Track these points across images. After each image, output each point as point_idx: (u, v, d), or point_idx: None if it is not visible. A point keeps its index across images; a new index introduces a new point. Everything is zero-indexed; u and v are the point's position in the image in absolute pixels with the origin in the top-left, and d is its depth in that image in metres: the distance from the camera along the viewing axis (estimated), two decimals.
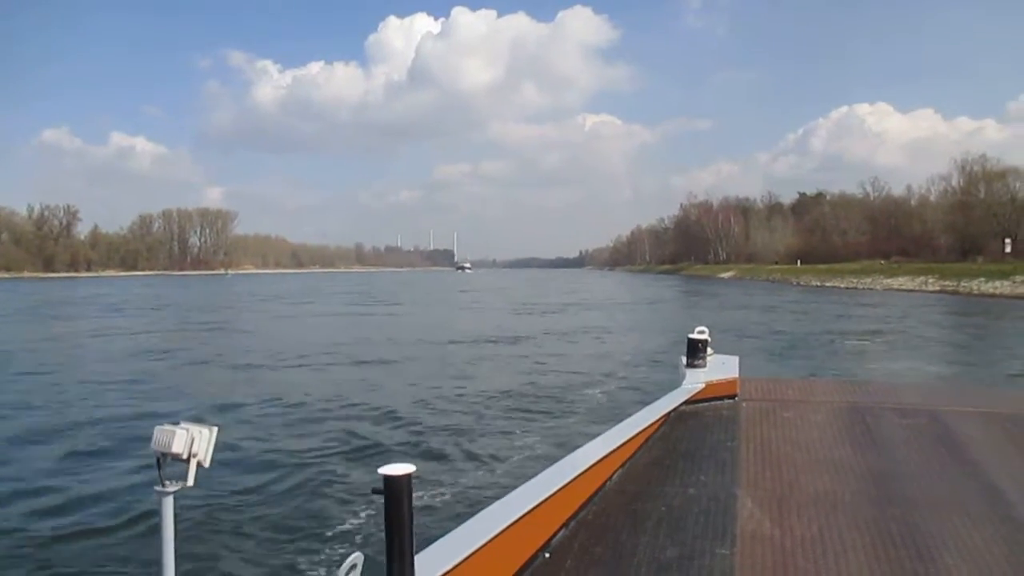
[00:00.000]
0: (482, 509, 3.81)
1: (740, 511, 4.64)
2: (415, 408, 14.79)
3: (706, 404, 7.56)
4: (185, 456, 3.08)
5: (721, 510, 4.68)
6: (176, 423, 3.13)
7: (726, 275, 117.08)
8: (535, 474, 4.49)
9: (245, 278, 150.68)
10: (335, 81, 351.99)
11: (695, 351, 8.37)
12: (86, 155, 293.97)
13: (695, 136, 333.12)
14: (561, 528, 4.33)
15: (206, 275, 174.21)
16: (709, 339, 8.52)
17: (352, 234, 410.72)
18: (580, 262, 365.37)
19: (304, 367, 21.06)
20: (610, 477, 5.24)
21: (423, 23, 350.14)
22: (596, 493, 4.91)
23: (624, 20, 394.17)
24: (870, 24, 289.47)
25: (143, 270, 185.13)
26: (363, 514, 8.17)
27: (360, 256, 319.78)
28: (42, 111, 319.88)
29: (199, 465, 3.12)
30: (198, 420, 3.18)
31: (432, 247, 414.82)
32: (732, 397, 7.86)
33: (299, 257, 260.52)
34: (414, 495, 2.99)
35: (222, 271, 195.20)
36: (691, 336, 8.47)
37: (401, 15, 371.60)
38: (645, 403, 7.30)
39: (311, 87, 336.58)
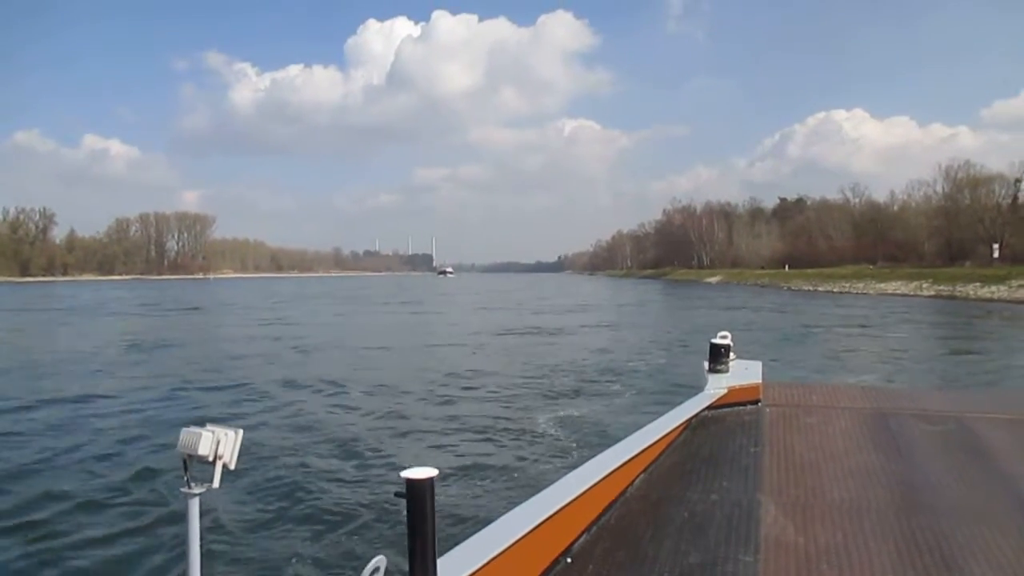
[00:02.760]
0: (504, 513, 3.79)
1: (764, 517, 4.59)
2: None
3: (729, 409, 7.54)
4: (211, 458, 3.11)
5: (744, 516, 4.63)
6: (202, 425, 3.16)
7: (713, 280, 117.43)
8: (557, 478, 4.47)
9: (231, 283, 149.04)
10: (314, 84, 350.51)
11: (717, 356, 8.25)
12: (59, 158, 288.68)
13: (673, 141, 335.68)
14: (583, 533, 4.31)
15: (186, 279, 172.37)
16: (731, 344, 8.40)
17: (330, 238, 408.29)
18: (559, 266, 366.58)
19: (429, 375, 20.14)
20: (632, 482, 5.21)
21: (403, 27, 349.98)
22: (618, 498, 4.89)
23: (605, 25, 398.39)
24: (847, 32, 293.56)
25: (120, 274, 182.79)
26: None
27: (339, 260, 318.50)
28: (14, 113, 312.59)
29: (225, 467, 3.15)
30: (223, 421, 3.21)
31: (411, 251, 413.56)
32: (755, 402, 7.81)
33: (278, 261, 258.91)
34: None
35: (201, 275, 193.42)
36: (713, 341, 8.34)
37: (381, 18, 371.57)
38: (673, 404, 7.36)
39: (289, 90, 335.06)
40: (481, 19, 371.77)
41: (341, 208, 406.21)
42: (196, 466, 3.16)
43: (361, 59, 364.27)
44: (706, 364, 8.36)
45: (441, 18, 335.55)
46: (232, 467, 3.17)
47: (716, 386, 7.77)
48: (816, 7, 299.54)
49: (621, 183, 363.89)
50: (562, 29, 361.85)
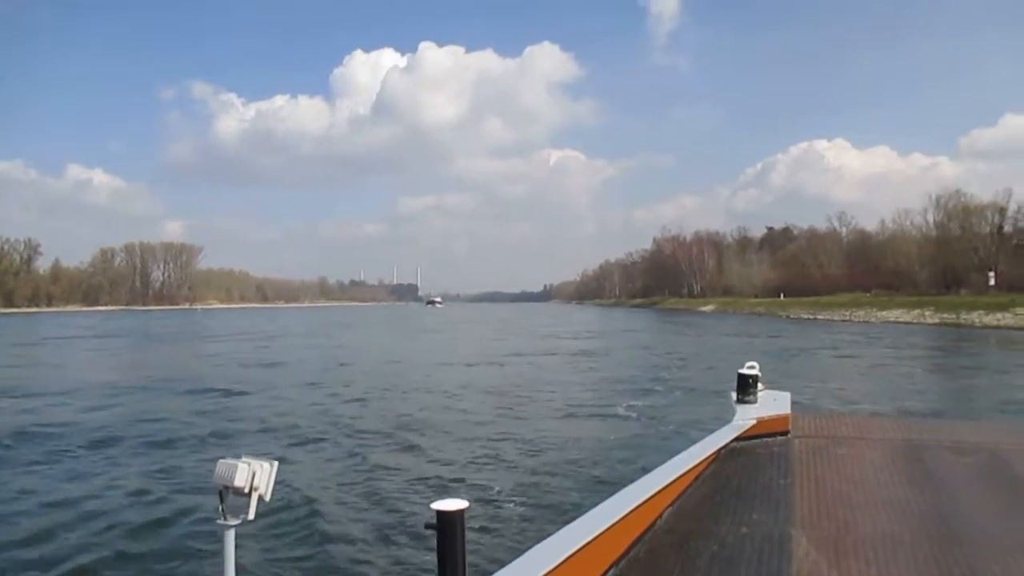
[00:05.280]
0: (531, 546, 3.75)
1: (795, 551, 4.49)
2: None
3: (758, 440, 7.43)
4: (246, 490, 3.20)
5: (776, 550, 4.53)
6: (238, 457, 3.25)
7: (707, 308, 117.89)
8: (584, 512, 4.42)
9: (225, 313, 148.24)
10: (299, 114, 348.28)
11: (745, 386, 8.22)
12: (42, 187, 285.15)
13: (658, 170, 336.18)
14: (611, 567, 4.25)
15: (172, 310, 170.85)
16: (759, 374, 8.39)
17: (315, 267, 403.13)
18: (545, 296, 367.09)
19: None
20: (660, 515, 5.13)
21: (389, 58, 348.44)
22: (646, 531, 4.81)
23: (590, 56, 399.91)
24: (828, 63, 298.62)
25: (105, 305, 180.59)
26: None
27: (325, 290, 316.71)
28: None
29: (260, 499, 3.24)
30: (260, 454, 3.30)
31: (396, 281, 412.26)
32: (784, 433, 7.71)
33: (264, 291, 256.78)
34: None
35: (188, 306, 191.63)
36: (741, 371, 8.35)
37: (367, 49, 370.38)
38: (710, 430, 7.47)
39: (275, 120, 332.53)
40: (468, 51, 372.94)
41: (326, 238, 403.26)
42: (231, 498, 3.25)
43: (347, 89, 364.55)
44: (734, 395, 8.33)
45: (428, 49, 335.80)
46: (267, 499, 3.28)
47: (744, 417, 7.66)
48: (797, 39, 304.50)
49: (606, 212, 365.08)
50: (548, 60, 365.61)
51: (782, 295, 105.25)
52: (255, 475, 3.23)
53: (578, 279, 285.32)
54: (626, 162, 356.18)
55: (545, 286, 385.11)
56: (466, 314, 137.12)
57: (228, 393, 22.32)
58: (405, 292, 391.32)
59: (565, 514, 8.77)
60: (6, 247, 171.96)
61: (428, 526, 3.15)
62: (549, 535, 3.91)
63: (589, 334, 57.93)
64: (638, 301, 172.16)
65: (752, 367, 8.37)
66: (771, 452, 7.09)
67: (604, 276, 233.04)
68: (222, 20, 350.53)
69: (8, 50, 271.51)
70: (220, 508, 3.33)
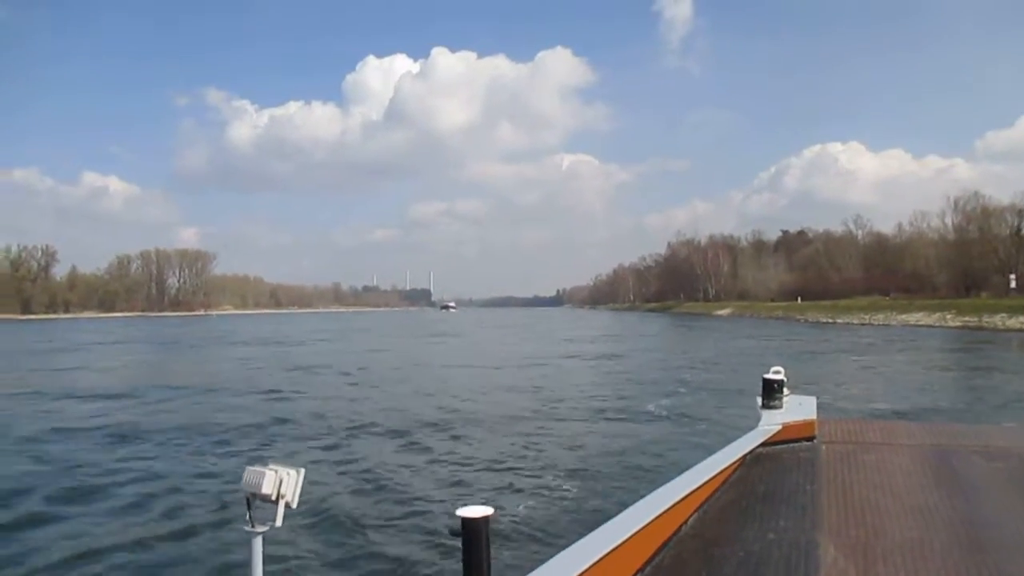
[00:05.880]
0: (556, 553, 3.74)
1: (823, 558, 4.44)
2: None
3: (783, 446, 7.38)
4: (274, 497, 3.24)
5: (803, 557, 4.49)
6: (265, 464, 3.27)
7: (723, 312, 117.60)
8: (609, 518, 4.37)
9: (239, 319, 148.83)
10: (312, 120, 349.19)
11: (771, 392, 8.17)
12: (58, 195, 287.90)
13: (670, 175, 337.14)
14: (636, 573, 4.24)
15: (187, 316, 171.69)
16: (785, 379, 8.35)
17: (328, 273, 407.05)
18: (558, 301, 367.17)
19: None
20: (686, 521, 5.10)
21: (402, 63, 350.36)
22: (672, 537, 4.78)
23: (602, 61, 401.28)
24: (842, 66, 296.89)
25: (121, 311, 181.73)
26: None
27: (338, 296, 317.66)
28: (13, 151, 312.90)
29: (287, 506, 3.29)
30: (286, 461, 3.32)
31: (409, 286, 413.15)
32: (810, 439, 7.65)
33: (277, 297, 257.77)
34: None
35: (203, 312, 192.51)
36: (766, 376, 8.31)
37: (380, 55, 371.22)
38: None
39: (288, 126, 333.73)
40: (480, 56, 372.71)
41: (339, 243, 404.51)
42: (258, 504, 3.28)
43: (360, 96, 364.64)
44: (759, 400, 8.29)
45: (440, 55, 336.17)
46: (294, 506, 3.32)
47: (770, 422, 7.61)
48: (811, 42, 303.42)
49: (618, 217, 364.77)
50: (560, 65, 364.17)
51: (799, 299, 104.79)
52: (282, 482, 3.26)
53: (591, 283, 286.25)
54: (639, 167, 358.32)
55: (558, 291, 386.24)
56: (481, 319, 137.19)
57: (285, 395, 23.33)
58: (418, 297, 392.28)
59: (619, 503, 8.94)
60: (23, 254, 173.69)
61: (453, 533, 3.18)
62: (574, 541, 3.90)
63: (608, 338, 58.20)
64: (653, 305, 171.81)
65: (777, 372, 8.35)
66: (797, 458, 7.06)
67: (618, 280, 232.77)
68: (236, 27, 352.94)
69: (25, 57, 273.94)
70: (248, 515, 3.38)
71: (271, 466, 3.30)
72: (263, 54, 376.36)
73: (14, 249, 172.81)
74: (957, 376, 26.58)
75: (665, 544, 4.64)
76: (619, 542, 3.92)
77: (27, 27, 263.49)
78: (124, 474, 12.50)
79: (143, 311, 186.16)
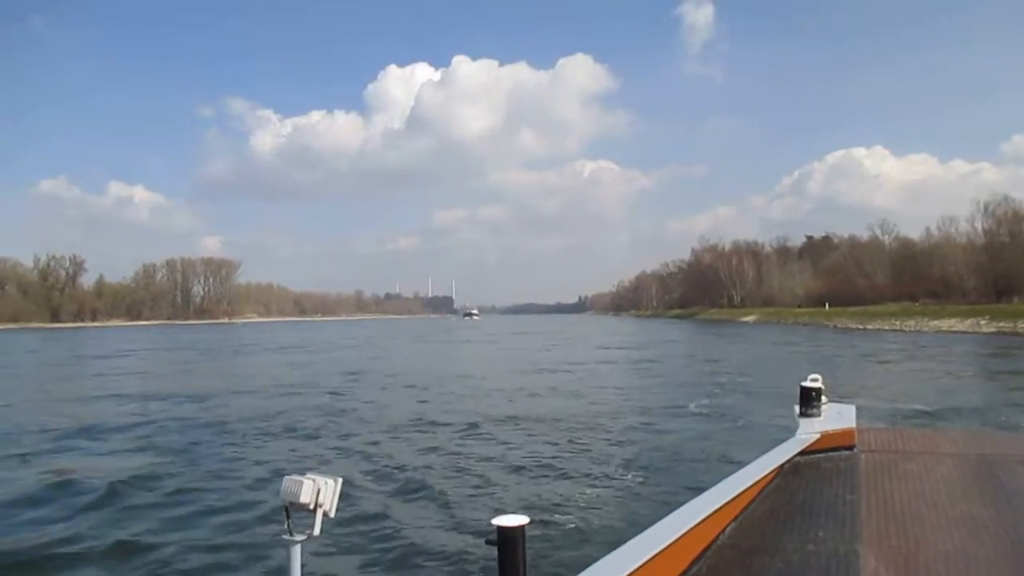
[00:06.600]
0: (591, 564, 3.70)
1: (863, 569, 4.34)
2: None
3: (822, 455, 7.26)
4: (312, 506, 3.27)
5: (843, 568, 4.39)
6: (303, 473, 3.30)
7: (749, 319, 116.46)
8: (645, 528, 4.32)
9: (266, 327, 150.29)
10: (335, 129, 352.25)
11: (808, 400, 8.07)
12: (85, 204, 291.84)
13: (692, 180, 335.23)
14: None
15: (212, 324, 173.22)
16: (823, 387, 8.23)
17: (351, 281, 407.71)
18: (580, 307, 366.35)
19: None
20: (723, 530, 5.02)
21: (423, 72, 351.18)
22: (709, 547, 4.71)
23: (623, 67, 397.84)
24: (866, 68, 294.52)
25: (147, 320, 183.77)
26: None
27: (361, 303, 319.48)
28: (40, 160, 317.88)
29: (325, 515, 3.31)
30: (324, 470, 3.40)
31: (431, 294, 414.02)
32: (850, 448, 7.53)
33: (301, 305, 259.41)
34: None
35: (227, 320, 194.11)
36: (804, 384, 8.19)
37: (402, 64, 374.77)
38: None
39: (311, 135, 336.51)
40: (501, 64, 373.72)
41: (361, 251, 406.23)
42: (297, 513, 3.33)
43: (381, 104, 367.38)
44: (796, 408, 8.19)
45: (461, 63, 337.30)
46: (332, 515, 3.35)
47: (808, 431, 7.51)
48: (833, 46, 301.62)
49: (639, 223, 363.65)
50: (581, 72, 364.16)
51: (827, 305, 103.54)
52: (320, 491, 3.29)
53: (613, 290, 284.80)
54: (660, 173, 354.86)
55: (580, 297, 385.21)
56: (505, 326, 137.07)
57: (343, 396, 24.54)
58: (440, 305, 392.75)
59: (687, 489, 9.65)
60: (52, 263, 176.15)
61: (489, 541, 3.18)
62: (610, 551, 3.86)
63: (637, 344, 58.23)
64: (677, 312, 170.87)
65: (815, 379, 8.24)
66: (837, 467, 6.94)
67: (640, 287, 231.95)
68: (259, 37, 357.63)
69: (55, 67, 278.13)
70: (286, 524, 3.42)
71: (309, 475, 3.34)
72: (286, 64, 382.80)
73: (43, 259, 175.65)
74: (1005, 383, 25.95)
75: (702, 554, 4.58)
76: (656, 552, 3.88)
77: (60, 43, 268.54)
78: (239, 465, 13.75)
79: (168, 319, 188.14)
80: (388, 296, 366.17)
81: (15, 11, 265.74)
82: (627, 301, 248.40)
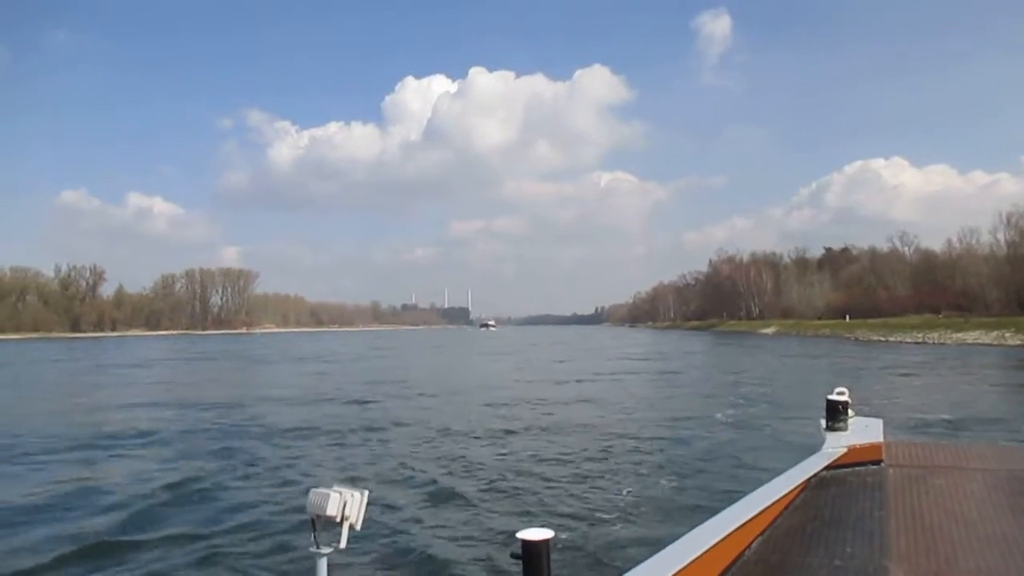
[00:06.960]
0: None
1: None
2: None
3: (849, 469, 7.15)
4: (338, 519, 3.29)
5: None
6: (330, 486, 3.32)
7: (768, 331, 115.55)
8: (670, 542, 4.27)
9: (285, 337, 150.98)
10: (352, 141, 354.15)
11: (835, 413, 7.96)
12: (105, 215, 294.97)
13: (709, 192, 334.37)
14: None
15: (231, 334, 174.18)
16: (849, 400, 8.11)
17: (367, 292, 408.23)
18: (596, 319, 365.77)
19: None
20: (749, 545, 4.95)
21: (440, 84, 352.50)
22: (735, 562, 4.65)
23: (640, 78, 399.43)
24: (885, 80, 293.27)
25: (166, 329, 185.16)
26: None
27: (377, 314, 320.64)
28: (61, 172, 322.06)
29: (351, 528, 3.33)
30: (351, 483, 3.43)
31: (447, 305, 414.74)
32: (877, 462, 7.40)
33: (318, 316, 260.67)
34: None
35: (244, 330, 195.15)
36: (830, 397, 8.08)
37: (419, 75, 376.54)
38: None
39: (328, 147, 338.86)
40: (518, 75, 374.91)
41: (378, 262, 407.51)
42: (324, 526, 3.34)
43: (399, 115, 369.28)
44: (823, 422, 8.09)
45: (478, 75, 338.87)
46: (358, 528, 3.36)
47: (835, 445, 7.43)
48: (851, 58, 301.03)
49: (656, 234, 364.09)
50: (598, 83, 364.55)
51: (847, 317, 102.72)
52: (346, 504, 3.31)
53: (630, 301, 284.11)
54: (677, 184, 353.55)
55: (597, 308, 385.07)
56: (523, 337, 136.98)
57: (372, 404, 25.03)
58: (456, 316, 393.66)
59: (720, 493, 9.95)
60: (73, 274, 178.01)
61: (514, 555, 3.18)
62: (635, 566, 3.84)
63: (656, 355, 58.09)
64: (695, 323, 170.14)
65: (841, 393, 8.13)
66: (864, 482, 6.82)
67: (658, 298, 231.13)
68: (278, 49, 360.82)
69: (76, 81, 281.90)
70: (312, 536, 3.45)
71: (335, 488, 3.37)
72: (305, 76, 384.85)
73: (64, 269, 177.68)
74: None
75: (728, 569, 4.52)
76: (681, 566, 3.84)
77: (82, 54, 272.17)
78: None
79: (187, 329, 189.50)
80: (405, 307, 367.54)
81: (38, 22, 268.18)
82: (644, 312, 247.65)
